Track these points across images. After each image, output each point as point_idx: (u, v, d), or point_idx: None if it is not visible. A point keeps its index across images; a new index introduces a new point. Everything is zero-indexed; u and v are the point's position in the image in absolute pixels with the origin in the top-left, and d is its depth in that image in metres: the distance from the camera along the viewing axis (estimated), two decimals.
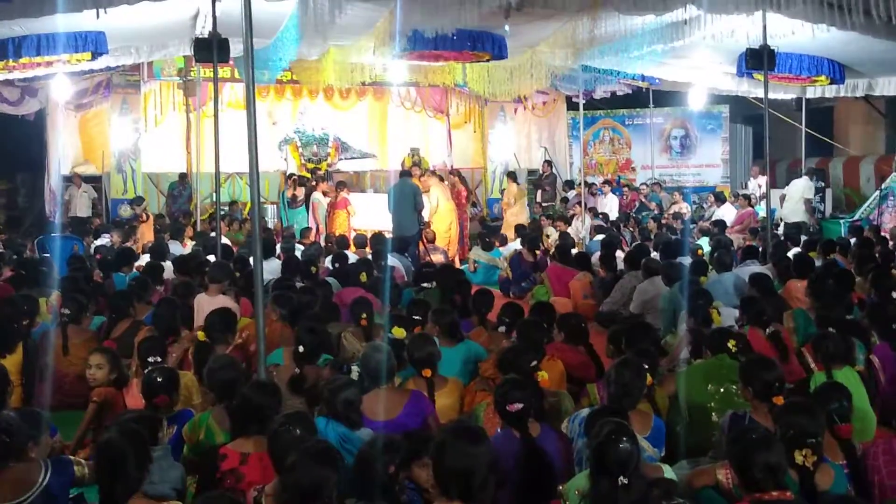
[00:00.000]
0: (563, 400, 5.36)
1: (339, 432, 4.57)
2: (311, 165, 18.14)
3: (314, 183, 16.61)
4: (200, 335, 6.29)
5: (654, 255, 10.72)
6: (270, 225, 16.35)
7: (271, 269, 9.34)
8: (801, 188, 15.04)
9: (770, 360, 4.99)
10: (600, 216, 16.59)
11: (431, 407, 5.17)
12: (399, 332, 6.11)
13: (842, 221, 15.82)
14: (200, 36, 10.70)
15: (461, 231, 15.60)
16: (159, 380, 5.02)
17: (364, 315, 6.76)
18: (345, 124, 19.48)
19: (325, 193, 16.22)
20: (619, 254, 11.60)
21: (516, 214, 16.68)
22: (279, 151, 18.69)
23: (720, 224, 14.68)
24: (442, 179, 15.74)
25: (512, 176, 17.62)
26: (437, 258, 13.62)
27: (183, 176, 17.42)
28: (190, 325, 7.29)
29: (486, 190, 20.49)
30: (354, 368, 5.23)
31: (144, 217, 14.69)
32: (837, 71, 13.36)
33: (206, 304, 7.53)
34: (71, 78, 15.95)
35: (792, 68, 12.87)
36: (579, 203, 16.15)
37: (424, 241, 13.99)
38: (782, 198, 14.77)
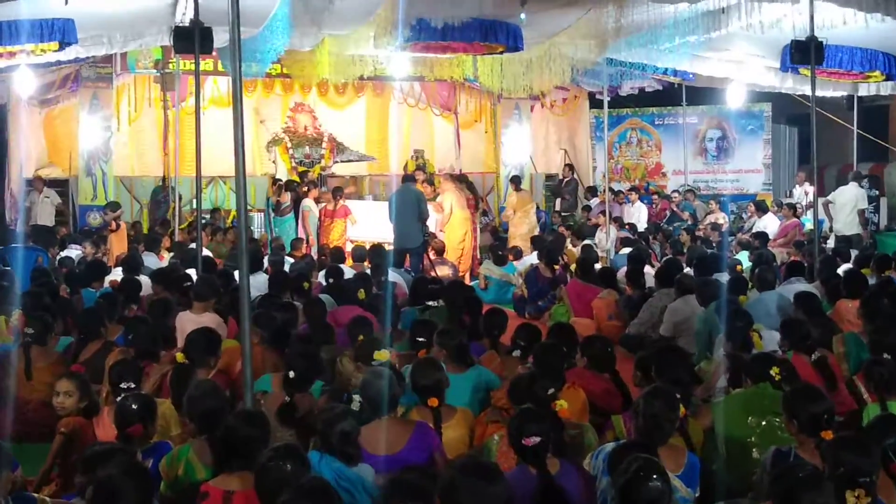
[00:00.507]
0: (585, 433, 5.37)
1: (334, 468, 4.58)
2: (302, 169, 18.18)
3: (305, 188, 16.65)
4: (179, 357, 6.31)
5: (688, 270, 10.71)
6: (257, 235, 16.38)
7: (258, 284, 9.36)
8: (851, 197, 15.01)
9: (817, 390, 5.00)
10: (627, 227, 16.60)
11: (438, 440, 5.19)
12: (382, 356, 6.09)
13: None
14: (181, 24, 10.75)
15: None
16: (134, 408, 5.04)
17: (362, 337, 6.77)
18: (341, 123, 19.51)
19: (316, 200, 16.26)
20: (649, 269, 11.59)
21: (517, 226, 16.72)
22: (267, 153, 18.74)
23: (762, 237, 14.67)
24: (460, 182, 15.67)
25: (515, 181, 17.65)
26: (444, 272, 13.63)
27: (164, 180, 17.50)
28: (170, 348, 7.31)
29: (499, 197, 20.51)
30: (356, 398, 5.25)
31: (114, 226, 14.70)
32: (893, 66, 13.37)
33: (190, 323, 7.56)
34: (35, 70, 16.00)
35: (842, 63, 12.89)
36: (603, 212, 16.16)
37: (429, 254, 14.01)
38: (825, 206, 14.74)
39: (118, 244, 14.45)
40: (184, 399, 5.21)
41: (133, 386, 5.68)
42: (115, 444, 4.89)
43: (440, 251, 14.44)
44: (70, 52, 12.44)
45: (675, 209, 18.59)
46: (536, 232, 16.79)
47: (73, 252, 13.46)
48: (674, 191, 20.06)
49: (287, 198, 16.46)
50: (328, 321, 7.92)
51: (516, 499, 3.91)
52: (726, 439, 5.36)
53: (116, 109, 17.89)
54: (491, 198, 20.52)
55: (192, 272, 9.85)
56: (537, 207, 19.42)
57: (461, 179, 16.14)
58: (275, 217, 16.48)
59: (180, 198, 14.82)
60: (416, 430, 5.11)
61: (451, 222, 15.04)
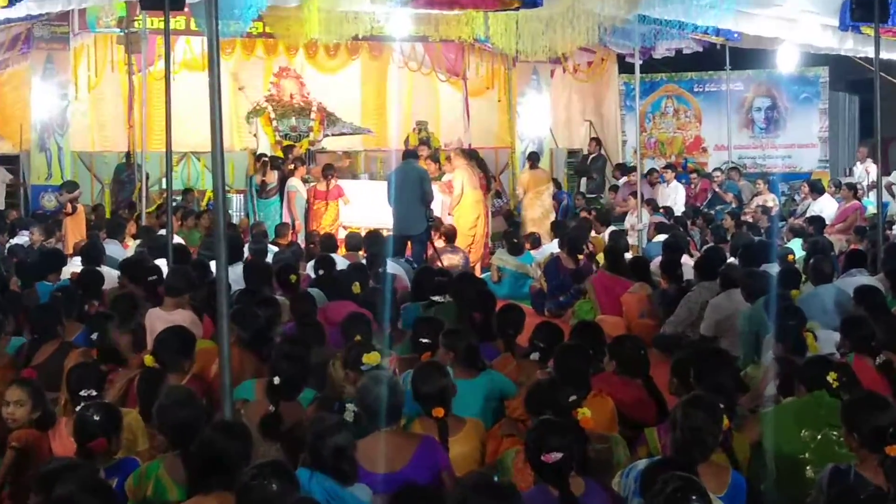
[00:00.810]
0: (614, 447, 5.38)
1: (326, 488, 4.59)
2: (287, 143, 18.18)
3: (291, 166, 16.65)
4: (149, 360, 6.32)
5: (732, 261, 10.69)
6: (235, 220, 16.40)
7: (238, 276, 9.38)
8: None
9: (882, 399, 5.00)
10: (661, 211, 16.58)
11: (447, 458, 5.21)
12: (372, 359, 6.08)
13: None
14: None
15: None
16: (96, 419, 5.05)
17: (358, 337, 6.79)
18: (332, 91, 19.50)
19: (304, 180, 16.26)
20: (687, 260, 11.59)
21: (527, 208, 16.71)
22: (247, 125, 18.75)
23: (817, 222, 14.65)
24: (471, 159, 15.66)
25: (532, 158, 17.65)
26: (452, 261, 13.61)
27: (130, 157, 17.49)
28: (138, 350, 7.32)
29: (514, 176, 20.48)
30: (349, 407, 5.25)
31: (71, 209, 14.69)
32: None
33: (161, 321, 7.57)
34: None
35: None
36: (633, 194, 16.15)
37: (434, 241, 14.01)
38: (889, 187, 14.73)
39: (75, 230, 14.43)
40: (153, 408, 5.23)
41: (95, 394, 5.69)
42: (75, 459, 4.91)
43: (451, 237, 14.37)
44: (20, 9, 12.45)
45: (717, 190, 18.55)
46: (551, 216, 16.79)
47: (25, 239, 13.49)
48: (716, 169, 20.01)
49: (274, 177, 16.44)
50: (318, 319, 7.94)
51: None
52: (776, 455, 5.37)
53: (74, 75, 17.88)
54: (505, 177, 20.49)
55: (161, 262, 9.87)
56: (559, 188, 19.44)
57: (471, 155, 16.10)
58: (258, 199, 16.48)
59: (147, 177, 14.82)
60: (422, 445, 5.13)
61: (461, 204, 15.03)
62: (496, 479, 4.77)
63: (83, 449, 5.02)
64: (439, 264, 13.11)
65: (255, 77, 19.29)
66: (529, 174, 17.13)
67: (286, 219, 15.86)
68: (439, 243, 14.21)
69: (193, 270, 9.13)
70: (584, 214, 16.78)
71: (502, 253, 14.17)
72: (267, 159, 16.99)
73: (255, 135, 18.69)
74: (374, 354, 6.11)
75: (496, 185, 18.57)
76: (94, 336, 7.05)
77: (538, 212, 16.61)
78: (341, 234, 14.67)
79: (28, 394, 5.85)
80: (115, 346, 6.98)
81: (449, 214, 15.19)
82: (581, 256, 12.23)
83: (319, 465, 4.65)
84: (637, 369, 6.56)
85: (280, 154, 17.66)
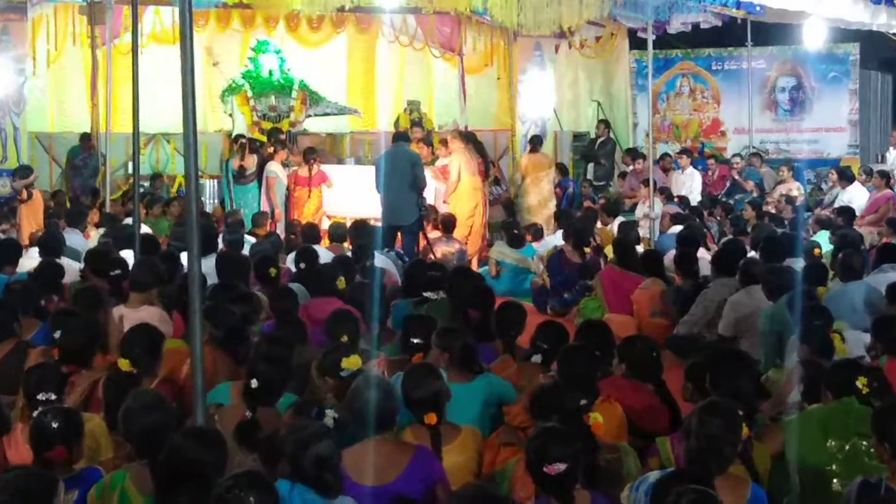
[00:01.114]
0: (624, 457, 5.40)
1: (307, 501, 4.60)
2: (268, 125, 18.17)
3: (271, 149, 16.63)
4: (124, 363, 6.32)
5: (753, 255, 10.71)
6: (208, 208, 16.39)
7: (211, 269, 9.37)
8: None
9: None
10: (676, 200, 16.60)
11: (442, 470, 5.21)
12: (352, 364, 6.07)
13: None
14: None
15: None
16: (54, 425, 5.05)
17: (345, 337, 6.78)
18: (315, 67, 19.52)
19: (284, 164, 16.24)
20: (703, 253, 11.61)
21: (524, 194, 16.75)
22: (222, 104, 18.74)
23: (847, 212, 14.68)
24: (469, 142, 15.65)
25: (533, 141, 17.68)
26: (446, 253, 13.60)
27: (86, 138, 17.45)
28: (100, 350, 7.32)
29: (514, 162, 20.50)
30: (329, 413, 5.26)
31: (25, 195, 14.68)
32: None
33: (126, 319, 7.57)
34: None
35: None
36: (645, 182, 16.16)
37: (429, 231, 14.02)
38: None
39: (31, 218, 14.44)
40: (119, 414, 5.23)
41: (54, 397, 5.70)
42: (32, 468, 4.91)
43: (449, 227, 14.35)
44: None
45: (736, 177, 18.58)
46: (550, 204, 16.78)
47: None
48: (735, 154, 20.05)
49: (252, 161, 16.36)
50: (300, 316, 7.95)
51: None
52: (800, 467, 5.39)
53: (32, 48, 17.81)
54: (504, 162, 20.50)
55: (127, 254, 9.87)
56: (565, 174, 19.46)
57: (469, 138, 16.10)
58: (235, 185, 16.42)
59: (104, 160, 14.75)
60: (416, 456, 5.14)
61: (458, 192, 15.05)
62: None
63: (40, 458, 5.02)
64: (432, 257, 13.14)
65: (230, 51, 19.26)
66: (529, 158, 17.14)
67: (265, 207, 15.83)
68: (435, 234, 14.21)
69: (162, 263, 9.14)
70: (587, 204, 16.77)
71: (501, 245, 14.16)
72: (245, 141, 16.85)
73: (230, 115, 18.69)
74: (355, 358, 6.08)
75: (495, 170, 18.57)
76: (56, 334, 7.03)
77: (535, 199, 16.62)
78: (325, 224, 14.67)
79: None
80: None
81: (444, 203, 15.18)
82: (587, 250, 12.23)
83: (300, 477, 4.66)
84: (648, 373, 6.57)
85: (259, 136, 17.63)
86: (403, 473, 5.04)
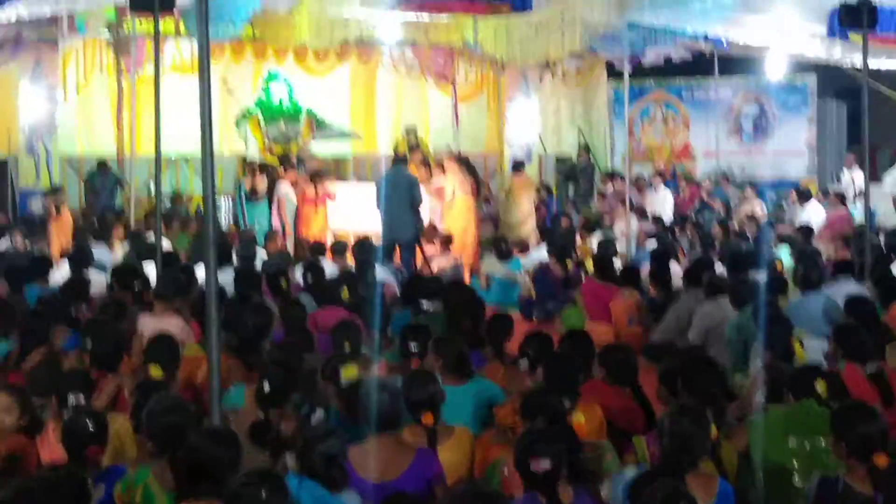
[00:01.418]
0: (604, 454, 5.38)
1: (315, 495, 4.60)
2: (278, 148, 18.16)
3: (282, 171, 16.63)
4: (155, 371, 6.31)
5: (720, 268, 10.72)
6: (223, 227, 16.35)
7: (226, 282, 9.37)
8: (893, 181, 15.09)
9: (870, 408, 5.02)
10: (650, 218, 16.61)
11: (441, 471, 5.20)
12: (349, 373, 6.07)
13: None
14: None
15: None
16: (85, 426, 5.05)
17: (348, 345, 6.78)
18: (321, 95, 19.51)
19: (293, 184, 16.24)
20: (675, 267, 11.61)
21: (505, 211, 16.76)
22: (237, 130, 18.74)
23: (805, 230, 14.70)
24: (462, 164, 15.65)
25: (516, 167, 17.70)
26: (443, 263, 13.58)
27: (103, 164, 17.37)
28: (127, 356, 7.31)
29: (503, 181, 20.51)
30: (319, 411, 5.24)
31: (55, 212, 14.64)
32: None
33: (151, 328, 7.56)
34: None
35: None
36: (623, 201, 16.17)
37: (423, 247, 14.00)
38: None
39: (60, 234, 14.41)
40: (143, 415, 5.22)
41: (83, 400, 5.69)
42: (66, 466, 4.90)
43: (446, 242, 14.34)
44: (9, 12, 12.41)
45: (705, 197, 18.60)
46: (529, 222, 16.74)
47: (7, 244, 13.44)
48: (704, 176, 20.06)
49: (262, 183, 16.33)
50: (308, 326, 7.95)
51: None
52: (764, 464, 5.39)
53: (63, 77, 17.82)
54: (494, 183, 20.50)
55: (150, 267, 9.87)
56: (549, 193, 19.45)
57: (463, 161, 16.12)
58: (247, 203, 16.41)
59: (118, 182, 14.57)
60: (419, 457, 5.13)
61: (453, 210, 15.04)
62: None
63: (75, 455, 5.01)
64: (427, 270, 13.13)
65: (244, 81, 19.25)
66: (515, 179, 17.13)
67: (276, 224, 15.80)
68: (431, 248, 14.17)
69: (182, 275, 9.15)
70: (565, 222, 16.68)
71: (491, 259, 14.14)
72: (256, 165, 16.95)
73: (244, 139, 18.68)
74: (352, 367, 6.09)
75: (485, 190, 18.58)
76: (87, 342, 7.01)
77: (514, 217, 16.60)
78: (330, 240, 14.65)
79: (15, 400, 5.83)
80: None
81: (439, 221, 15.16)
82: (570, 263, 12.21)
83: (309, 472, 4.65)
84: (626, 377, 6.56)
85: (271, 159, 17.65)
86: (406, 472, 5.04)
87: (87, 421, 5.09)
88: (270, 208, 16.26)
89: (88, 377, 6.17)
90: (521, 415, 5.43)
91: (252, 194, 16.40)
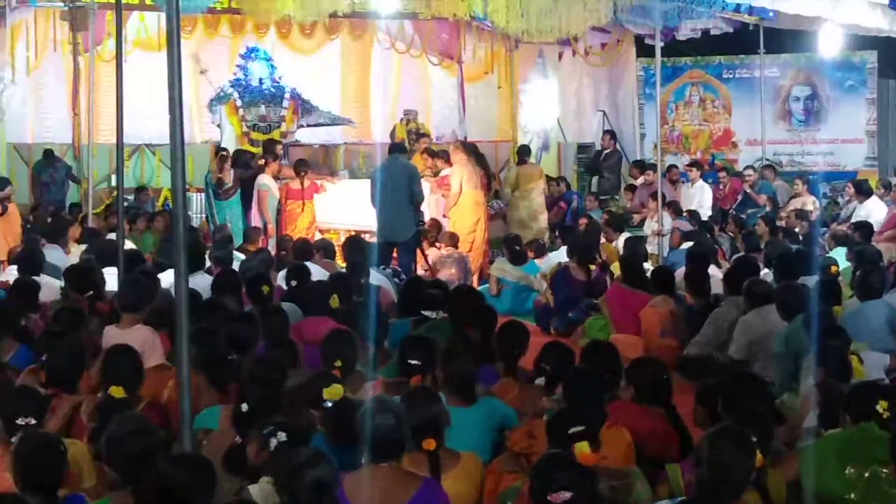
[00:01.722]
0: (634, 483, 5.38)
1: None
2: (258, 135, 18.14)
3: (262, 161, 16.57)
4: (117, 391, 6.31)
5: (766, 273, 10.71)
6: (195, 223, 16.33)
7: (199, 287, 9.37)
8: None
9: None
10: (685, 215, 16.61)
11: (448, 501, 5.18)
12: (334, 394, 6.05)
13: None
14: None
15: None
16: (36, 452, 5.04)
17: (339, 360, 6.79)
18: (308, 75, 19.56)
19: (276, 177, 16.21)
20: (715, 271, 11.61)
21: (512, 209, 16.76)
22: (210, 114, 18.75)
23: (864, 228, 14.69)
24: (472, 154, 15.64)
25: (521, 152, 17.65)
26: (448, 273, 13.60)
27: (49, 153, 17.37)
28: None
29: (505, 177, 20.52)
30: (280, 434, 5.23)
31: (1, 209, 14.64)
32: None
33: (119, 341, 7.54)
34: None
35: None
36: (653, 195, 16.17)
37: (424, 249, 14.02)
38: None
39: (7, 233, 14.38)
40: (102, 440, 5.22)
41: (34, 422, 5.69)
42: (12, 496, 4.90)
43: (454, 242, 14.34)
44: None
45: (749, 191, 18.59)
46: (541, 218, 16.72)
47: None
48: (748, 167, 20.05)
49: (229, 175, 16.15)
50: (292, 337, 7.94)
51: None
52: (817, 495, 5.38)
53: (11, 55, 17.86)
54: (505, 175, 20.48)
55: (111, 271, 9.86)
56: (568, 187, 19.45)
57: (471, 150, 16.09)
58: (216, 200, 16.31)
59: (71, 175, 14.56)
60: (424, 487, 5.10)
61: (459, 205, 15.05)
62: None
63: (26, 486, 5.01)
64: (429, 273, 13.13)
65: (219, 59, 19.29)
66: (517, 171, 17.08)
67: (256, 222, 15.70)
68: (434, 251, 14.18)
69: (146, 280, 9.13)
70: (583, 221, 16.65)
71: (502, 262, 14.16)
72: (225, 154, 16.72)
73: (218, 125, 18.66)
74: (337, 388, 6.07)
75: (496, 183, 18.56)
76: (43, 357, 6.99)
77: (524, 213, 16.57)
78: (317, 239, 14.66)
79: None
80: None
81: (444, 217, 15.16)
82: (593, 267, 12.21)
83: (295, 502, 4.64)
84: (658, 397, 6.57)
85: (249, 147, 17.57)
86: None
87: (40, 447, 5.09)
88: (241, 205, 16.11)
89: (40, 396, 6.16)
90: (549, 439, 5.40)
91: (217, 188, 16.18)
